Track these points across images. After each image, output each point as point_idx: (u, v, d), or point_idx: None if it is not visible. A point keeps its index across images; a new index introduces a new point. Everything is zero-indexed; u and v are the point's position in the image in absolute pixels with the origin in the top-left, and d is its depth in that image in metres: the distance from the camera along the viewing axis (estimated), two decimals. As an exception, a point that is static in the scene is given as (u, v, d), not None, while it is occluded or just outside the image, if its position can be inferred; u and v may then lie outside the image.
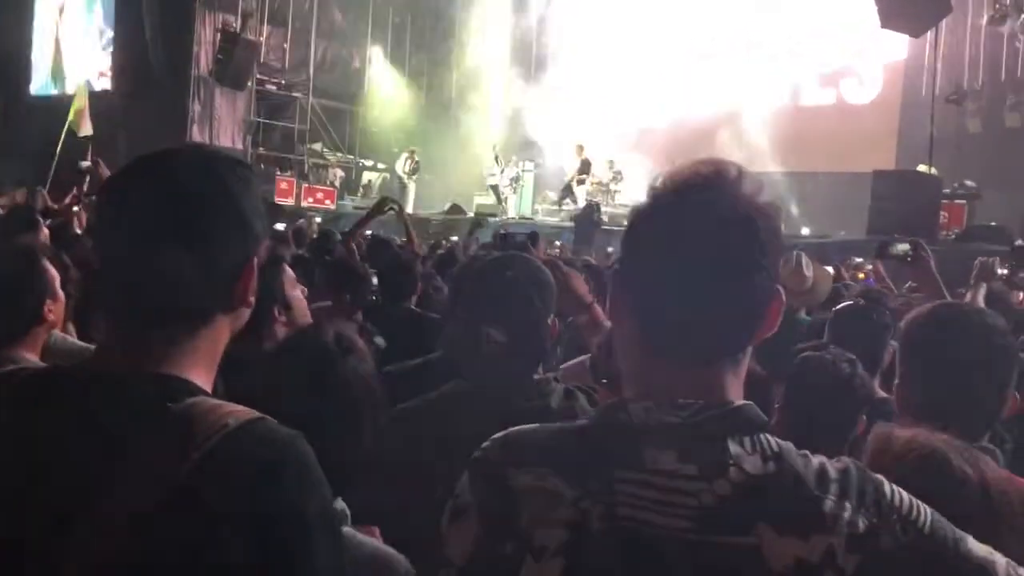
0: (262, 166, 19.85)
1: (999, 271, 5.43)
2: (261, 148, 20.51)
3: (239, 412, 1.16)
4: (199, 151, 1.37)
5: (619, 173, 18.99)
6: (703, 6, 21.35)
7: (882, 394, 2.86)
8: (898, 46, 17.48)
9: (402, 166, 19.75)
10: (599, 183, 18.84)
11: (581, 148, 18.31)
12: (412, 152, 19.86)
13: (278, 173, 19.31)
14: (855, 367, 2.43)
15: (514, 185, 19.14)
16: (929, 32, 12.89)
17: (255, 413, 1.17)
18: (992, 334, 1.85)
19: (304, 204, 18.90)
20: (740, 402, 1.10)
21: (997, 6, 13.13)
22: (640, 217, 1.15)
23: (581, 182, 18.17)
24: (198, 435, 1.11)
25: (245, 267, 1.26)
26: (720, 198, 1.09)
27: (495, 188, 19.09)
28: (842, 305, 3.19)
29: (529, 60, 23.77)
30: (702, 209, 1.08)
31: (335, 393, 1.67)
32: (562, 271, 2.64)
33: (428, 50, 23.04)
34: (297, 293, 2.82)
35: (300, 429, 1.18)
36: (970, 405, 1.81)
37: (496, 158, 19.01)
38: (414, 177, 19.73)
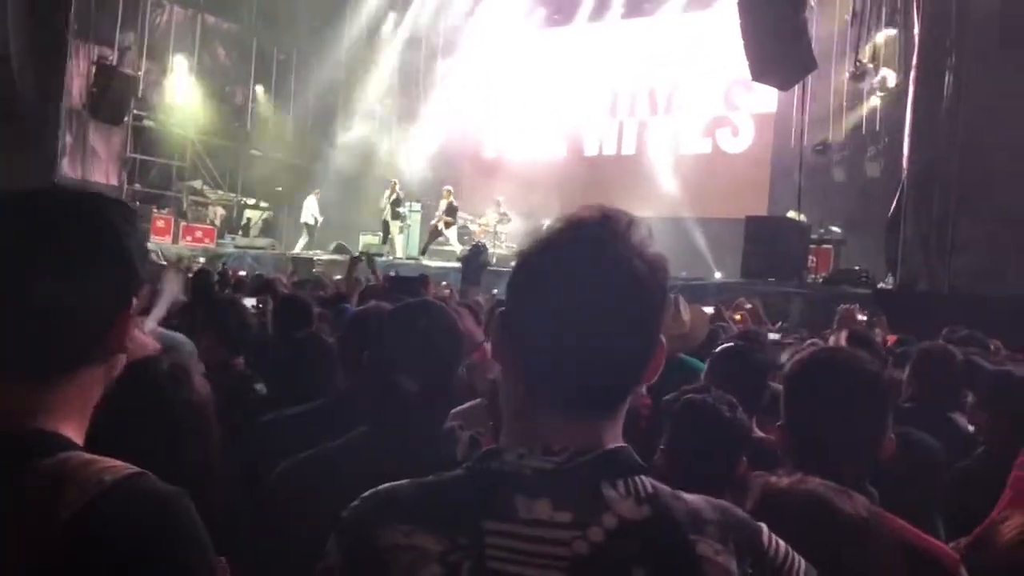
0: (137, 203, 19.16)
1: (859, 317, 5.72)
2: (137, 184, 19.81)
3: (115, 468, 1.09)
4: (77, 189, 1.31)
5: (506, 215, 19.18)
6: (588, 55, 22.00)
7: (760, 434, 2.96)
8: (769, 99, 18.39)
9: (308, 209, 19.37)
10: (486, 225, 18.97)
11: (448, 192, 18.43)
12: (316, 193, 19.53)
13: (155, 211, 18.67)
14: (735, 410, 2.50)
15: (402, 225, 19.08)
16: (797, 86, 13.61)
17: (133, 468, 1.11)
18: (868, 379, 1.93)
19: (182, 243, 18.34)
20: (615, 445, 1.08)
21: (857, 64, 13.99)
22: (526, 261, 1.12)
23: (448, 224, 18.21)
24: (70, 494, 1.04)
25: (123, 312, 1.19)
26: (609, 246, 1.08)
27: (385, 226, 18.94)
28: (720, 347, 3.28)
29: (416, 98, 23.91)
30: (590, 256, 1.07)
31: (162, 425, 1.62)
32: (453, 310, 2.64)
33: (314, 88, 22.81)
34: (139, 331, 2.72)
35: (128, 459, 1.12)
36: (848, 448, 1.87)
37: (393, 197, 18.78)
38: (318, 219, 19.39)
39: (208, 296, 5.90)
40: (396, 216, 18.70)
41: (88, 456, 1.11)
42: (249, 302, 5.32)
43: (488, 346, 2.66)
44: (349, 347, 2.60)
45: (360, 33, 22.51)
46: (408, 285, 3.92)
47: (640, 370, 1.11)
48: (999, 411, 3.14)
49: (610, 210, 1.12)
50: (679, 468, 2.43)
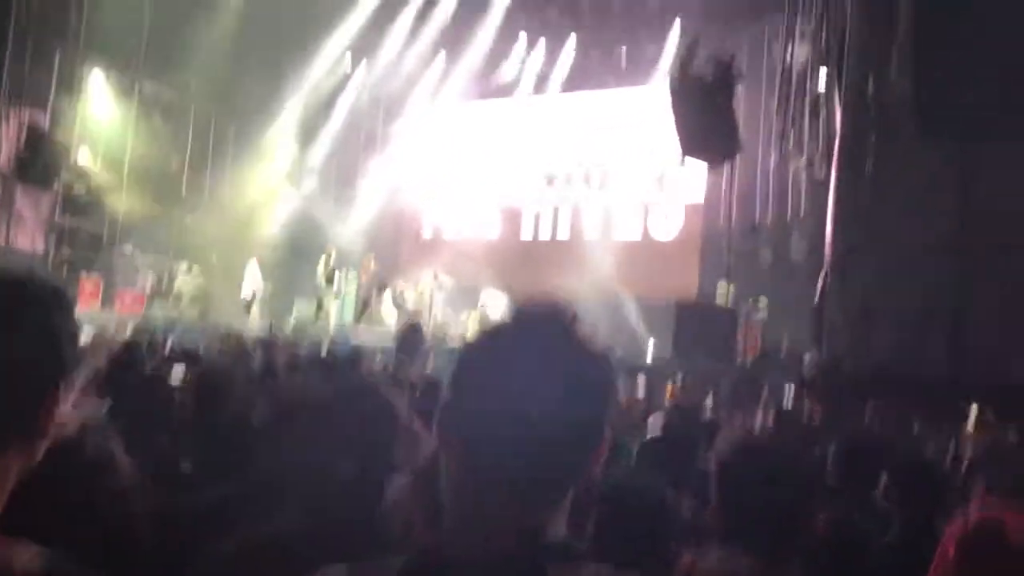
0: (65, 268, 18.70)
1: (786, 396, 5.86)
2: (66, 249, 19.35)
3: (29, 556, 1.07)
4: (7, 267, 1.26)
5: (442, 286, 19.19)
6: (527, 137, 22.44)
7: (691, 515, 2.99)
8: (699, 182, 18.93)
9: (251, 278, 19.07)
10: (421, 296, 18.94)
11: (370, 261, 18.39)
12: (257, 262, 19.26)
13: (83, 275, 18.23)
14: (664, 493, 2.53)
15: (336, 295, 18.91)
16: (725, 169, 14.09)
17: (44, 553, 1.09)
18: (796, 464, 1.99)
19: (111, 309, 17.89)
20: (559, 536, 1.09)
21: (782, 150, 14.54)
22: (472, 353, 1.14)
23: (379, 293, 18.14)
24: None
25: (48, 396, 1.16)
26: (554, 341, 1.09)
27: (319, 294, 18.75)
28: (652, 429, 3.32)
29: (356, 166, 24.04)
30: (536, 350, 1.08)
31: (85, 512, 1.59)
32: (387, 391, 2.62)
33: (252, 153, 22.73)
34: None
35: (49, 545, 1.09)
36: (778, 531, 1.91)
37: (330, 266, 18.61)
38: (261, 290, 19.10)
39: (135, 370, 5.74)
40: (331, 284, 18.55)
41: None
42: (177, 373, 5.20)
43: (418, 426, 2.65)
44: (277, 428, 2.56)
45: (299, 101, 22.61)
46: (341, 363, 3.87)
47: (585, 462, 1.12)
48: (914, 491, 3.24)
49: (556, 302, 1.14)
50: (609, 554, 2.43)
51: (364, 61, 23.08)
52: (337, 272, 18.67)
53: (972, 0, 10.94)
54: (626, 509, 2.48)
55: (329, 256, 18.64)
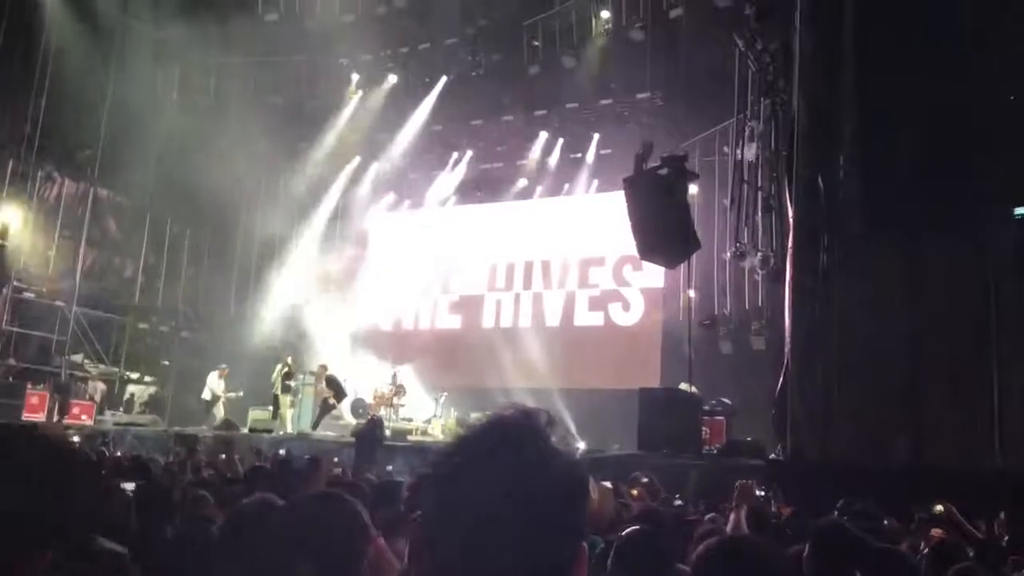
0: (10, 379, 18.19)
1: (758, 492, 5.78)
2: (12, 359, 18.87)
3: None
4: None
5: (401, 387, 19.00)
6: (485, 231, 22.73)
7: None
8: (657, 274, 19.19)
9: (213, 385, 18.66)
10: (381, 398, 18.71)
11: (324, 368, 18.24)
12: (223, 371, 18.89)
13: (29, 387, 17.73)
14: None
15: (293, 399, 18.60)
16: (683, 264, 14.25)
17: None
18: (773, 569, 1.91)
19: (55, 420, 17.37)
20: None
21: (738, 244, 14.83)
22: (446, 467, 1.09)
23: (335, 399, 17.88)
24: None
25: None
26: (529, 453, 1.06)
27: (275, 400, 18.38)
28: (625, 532, 3.22)
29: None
30: (511, 461, 1.05)
31: None
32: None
33: (210, 264, 22.63)
34: None
35: None
36: None
37: (285, 371, 18.33)
38: (228, 395, 18.69)
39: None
40: (287, 390, 18.24)
41: None
42: (128, 486, 5.00)
43: (381, 539, 2.53)
44: (234, 541, 2.43)
45: (259, 209, 22.68)
46: (298, 471, 3.75)
47: (566, 573, 1.07)
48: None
49: (528, 413, 1.12)
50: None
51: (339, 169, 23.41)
52: (294, 379, 18.41)
53: (917, 103, 11.38)
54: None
55: (286, 362, 18.41)
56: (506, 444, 1.07)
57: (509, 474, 1.04)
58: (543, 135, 22.10)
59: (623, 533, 3.19)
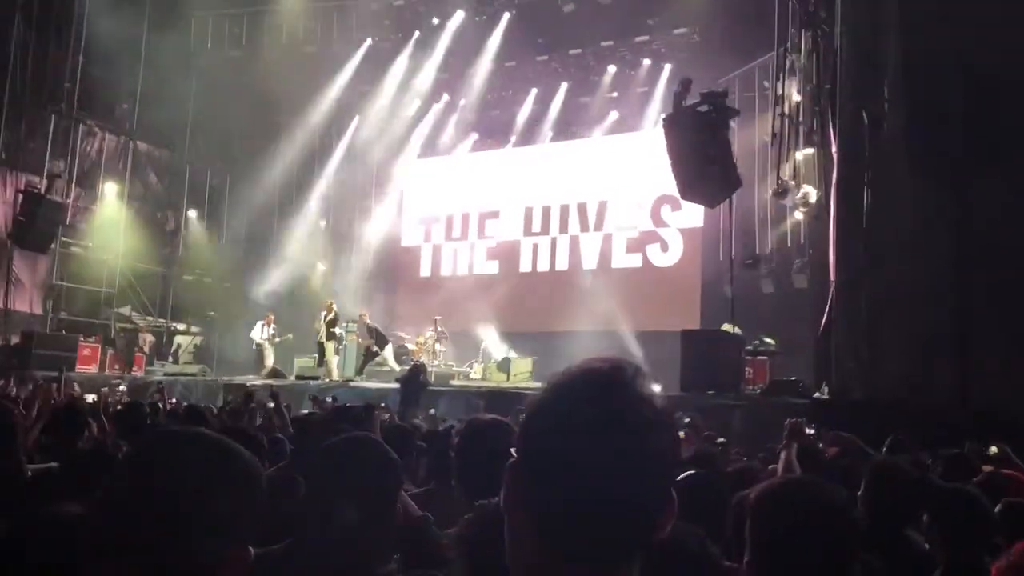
0: (63, 331, 18.62)
1: (808, 430, 5.76)
2: (64, 312, 19.31)
3: None
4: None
5: (443, 333, 19.15)
6: (520, 175, 22.62)
7: (728, 564, 2.91)
8: (696, 215, 19.00)
9: (259, 333, 18.94)
10: (423, 344, 18.88)
11: (363, 316, 18.35)
12: (270, 318, 19.15)
13: (81, 339, 18.15)
14: (704, 544, 2.45)
15: (337, 347, 18.81)
16: (723, 202, 14.08)
17: None
18: (834, 516, 1.90)
19: (108, 371, 17.80)
20: None
21: (779, 181, 14.59)
22: (538, 411, 1.12)
23: (377, 347, 18.01)
24: None
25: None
26: (618, 399, 1.08)
27: (320, 348, 18.60)
28: (681, 477, 3.24)
29: (352, 218, 24.15)
30: (600, 410, 1.07)
31: None
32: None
33: (247, 211, 22.80)
34: None
35: None
36: None
37: (330, 318, 18.47)
38: (275, 342, 18.98)
39: (141, 432, 5.65)
40: (331, 337, 18.43)
41: None
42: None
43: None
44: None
45: (294, 156, 22.74)
46: (354, 417, 3.82)
47: (657, 520, 1.10)
48: (961, 530, 3.15)
49: (617, 361, 1.14)
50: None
51: (356, 116, 23.31)
52: (338, 326, 18.58)
53: (959, 39, 11.02)
54: (665, 565, 2.41)
55: (330, 308, 18.55)
56: (594, 389, 1.10)
57: (600, 421, 1.06)
58: (576, 75, 21.79)
59: (680, 478, 3.22)
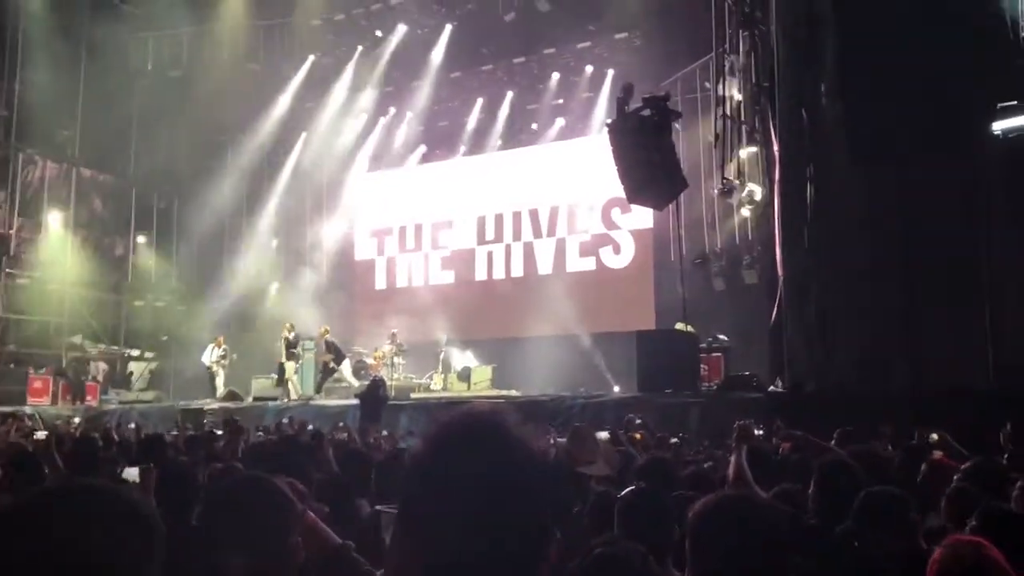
0: (11, 365, 18.24)
1: (756, 432, 5.87)
2: (12, 345, 18.90)
3: None
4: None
5: (401, 346, 19.09)
6: (470, 184, 22.64)
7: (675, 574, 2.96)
8: (646, 216, 19.17)
9: (209, 356, 18.69)
10: (382, 358, 18.79)
11: (325, 331, 18.24)
12: (219, 340, 18.90)
13: (31, 372, 17.79)
14: (647, 561, 2.49)
15: (220, 363, 18.66)
16: (671, 204, 14.23)
17: None
18: (772, 530, 1.96)
19: (62, 403, 17.47)
20: None
21: (724, 181, 14.79)
22: (420, 465, 1.17)
23: (335, 363, 17.90)
24: None
25: None
26: (496, 447, 1.13)
27: (280, 368, 18.43)
28: (624, 493, 3.29)
29: (303, 235, 24.00)
30: (479, 458, 1.12)
31: None
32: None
33: (197, 233, 22.52)
34: None
35: None
36: None
37: (291, 336, 18.32)
38: (224, 364, 18.73)
39: (91, 470, 5.57)
40: (291, 357, 18.29)
41: None
42: (131, 473, 5.01)
43: (310, 515, 2.57)
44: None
45: (242, 175, 22.53)
46: (303, 447, 3.81)
47: (536, 561, 1.14)
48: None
49: (494, 411, 1.19)
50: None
51: (304, 132, 23.17)
52: (297, 344, 18.46)
53: (892, 31, 11.27)
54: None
55: (288, 328, 18.44)
56: (474, 439, 1.15)
57: (477, 467, 1.11)
58: (521, 83, 21.90)
59: (623, 494, 3.26)
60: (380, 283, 23.70)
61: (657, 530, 2.92)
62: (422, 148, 23.76)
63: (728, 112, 14.58)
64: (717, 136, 14.61)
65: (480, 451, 1.13)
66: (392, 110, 23.29)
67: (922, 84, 11.09)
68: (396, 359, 18.88)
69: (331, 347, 17.97)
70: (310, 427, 9.75)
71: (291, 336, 18.21)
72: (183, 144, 20.11)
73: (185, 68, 20.66)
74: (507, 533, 1.10)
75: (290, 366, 18.03)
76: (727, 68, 14.75)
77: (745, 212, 15.82)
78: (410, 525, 1.15)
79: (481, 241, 22.70)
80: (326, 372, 17.99)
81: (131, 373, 20.39)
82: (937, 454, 5.40)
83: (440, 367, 19.34)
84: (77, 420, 14.60)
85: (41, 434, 8.76)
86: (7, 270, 18.66)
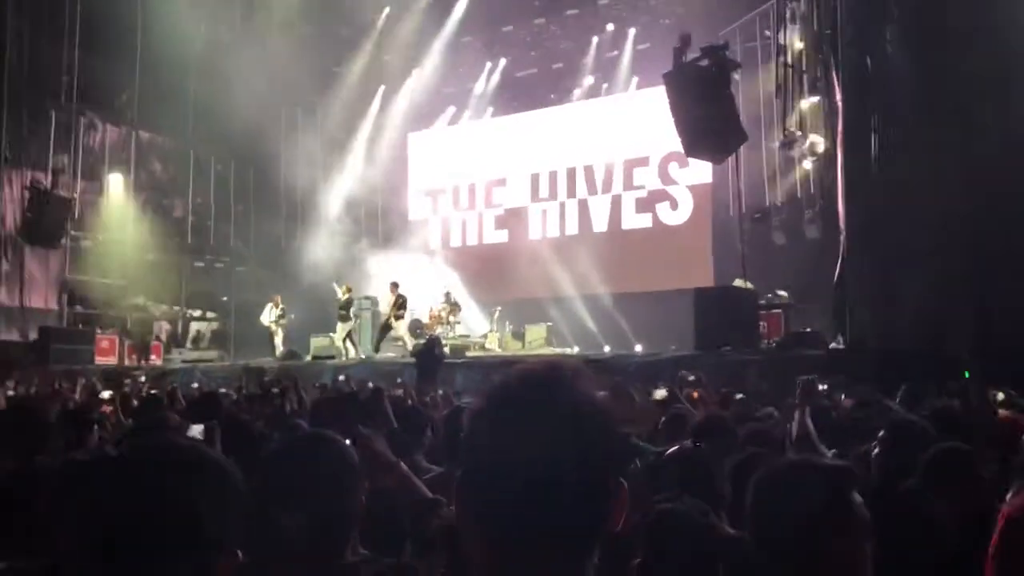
0: (79, 325, 18.74)
1: (820, 387, 5.73)
2: (79, 306, 19.41)
3: None
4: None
5: (456, 304, 19.15)
6: (521, 142, 22.46)
7: (732, 533, 2.89)
8: (704, 171, 18.82)
9: (268, 316, 19.00)
10: (437, 317, 18.88)
11: (395, 285, 18.29)
12: (276, 300, 19.20)
13: (98, 332, 18.27)
14: (707, 515, 2.43)
15: (279, 322, 18.84)
16: (731, 157, 13.95)
17: None
18: (834, 494, 1.86)
19: (128, 362, 17.93)
20: None
21: (785, 132, 14.42)
22: (477, 422, 1.13)
23: (399, 318, 17.98)
24: None
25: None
26: (556, 400, 1.09)
27: (338, 326, 18.65)
28: (670, 451, 3.22)
29: (363, 196, 24.11)
30: (540, 410, 1.08)
31: None
32: (364, 439, 2.52)
33: (256, 198, 22.78)
34: None
35: None
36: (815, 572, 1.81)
37: (346, 298, 18.48)
38: (283, 323, 19.03)
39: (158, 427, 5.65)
40: (342, 319, 18.46)
41: None
42: (196, 429, 5.09)
43: (401, 467, 2.54)
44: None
45: (300, 136, 22.66)
46: (364, 404, 3.82)
47: (602, 512, 1.11)
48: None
49: (554, 363, 1.15)
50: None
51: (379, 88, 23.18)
52: (353, 304, 18.61)
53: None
54: (671, 539, 2.40)
55: (347, 289, 18.58)
56: (533, 396, 1.11)
57: (537, 422, 1.08)
58: (578, 35, 21.55)
59: (671, 451, 3.20)
60: (434, 242, 23.76)
61: (706, 488, 2.86)
62: (471, 106, 23.58)
63: (789, 61, 14.18)
64: (778, 86, 14.24)
65: (542, 407, 1.09)
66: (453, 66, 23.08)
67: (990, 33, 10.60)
68: (451, 318, 18.95)
69: (400, 304, 18.00)
70: (369, 384, 9.82)
71: (348, 297, 18.32)
72: (239, 109, 20.19)
73: (239, 31, 20.73)
74: (572, 497, 1.07)
75: (341, 328, 18.18)
76: (788, 15, 14.31)
77: (807, 165, 15.44)
78: (471, 486, 1.12)
79: (535, 199, 22.57)
80: (385, 329, 18.10)
81: (197, 333, 20.82)
82: (1004, 412, 5.22)
83: (495, 326, 19.38)
84: (143, 379, 14.95)
85: (106, 393, 8.95)
86: (72, 233, 19.08)
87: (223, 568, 1.24)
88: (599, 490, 1.10)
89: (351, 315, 18.39)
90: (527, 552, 1.07)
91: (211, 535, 1.22)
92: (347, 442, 2.13)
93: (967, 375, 4.87)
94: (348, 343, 18.09)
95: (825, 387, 6.66)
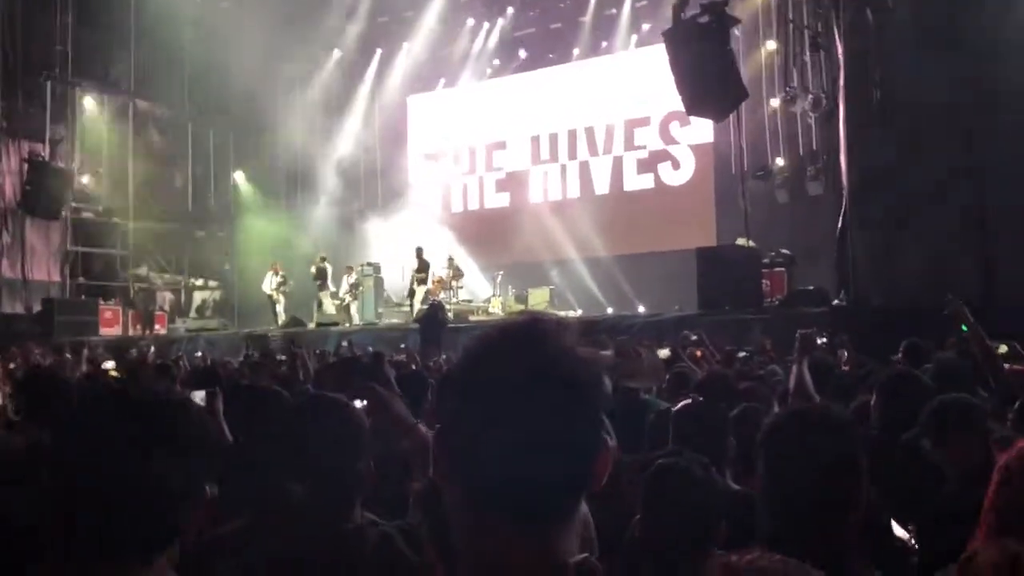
0: (82, 296, 18.79)
1: (819, 340, 5.71)
2: (81, 278, 19.43)
3: None
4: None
5: (459, 269, 19.14)
6: (519, 103, 22.28)
7: (735, 487, 2.90)
8: (705, 130, 18.67)
9: (268, 284, 19.03)
10: (440, 280, 18.87)
11: (421, 250, 18.30)
12: (277, 267, 19.20)
13: (101, 303, 18.30)
14: (708, 469, 2.43)
15: (355, 292, 18.88)
16: (732, 115, 13.83)
17: None
18: (843, 451, 1.85)
19: (132, 333, 18.00)
20: (574, 559, 1.05)
21: (787, 89, 14.27)
22: (456, 375, 1.10)
23: (422, 281, 18.05)
24: None
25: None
26: (538, 353, 1.06)
27: (334, 296, 18.74)
28: (680, 405, 3.22)
29: (361, 164, 23.99)
30: (520, 366, 1.05)
31: None
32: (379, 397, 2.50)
33: (255, 166, 22.67)
34: None
35: None
36: (825, 519, 1.80)
37: (321, 270, 18.65)
38: (284, 290, 19.08)
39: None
40: (324, 287, 18.61)
41: None
42: (198, 395, 5.10)
43: (420, 429, 2.53)
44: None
45: (297, 108, 22.49)
46: (364, 368, 3.81)
47: (585, 476, 1.07)
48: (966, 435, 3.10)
49: (536, 316, 1.12)
50: (659, 535, 2.36)
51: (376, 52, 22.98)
52: (354, 271, 18.64)
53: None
54: (671, 492, 2.40)
55: (319, 258, 18.72)
56: (514, 350, 1.07)
57: (518, 377, 1.04)
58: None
59: (677, 407, 3.20)
60: (435, 207, 23.65)
61: (711, 442, 2.86)
62: (469, 68, 23.34)
63: (790, 16, 13.99)
64: (778, 42, 14.06)
65: (521, 360, 1.05)
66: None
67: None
68: (454, 283, 18.94)
69: (424, 266, 18.08)
70: (370, 348, 9.85)
71: (320, 267, 18.50)
72: (234, 77, 20.01)
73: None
74: (553, 449, 1.03)
75: (348, 296, 18.30)
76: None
77: (810, 121, 15.30)
78: (448, 443, 1.08)
79: (536, 161, 22.43)
80: (411, 295, 18.20)
81: (201, 302, 20.84)
82: (1008, 366, 5.20)
83: (497, 290, 19.38)
84: (153, 349, 14.99)
85: (109, 364, 8.98)
86: (72, 204, 19.04)
87: (196, 516, 1.26)
88: (582, 446, 1.07)
89: (327, 284, 18.48)
90: (509, 510, 1.04)
91: (175, 488, 1.22)
92: (357, 403, 2.12)
93: (964, 329, 4.81)
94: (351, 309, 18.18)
95: (824, 340, 6.65)
